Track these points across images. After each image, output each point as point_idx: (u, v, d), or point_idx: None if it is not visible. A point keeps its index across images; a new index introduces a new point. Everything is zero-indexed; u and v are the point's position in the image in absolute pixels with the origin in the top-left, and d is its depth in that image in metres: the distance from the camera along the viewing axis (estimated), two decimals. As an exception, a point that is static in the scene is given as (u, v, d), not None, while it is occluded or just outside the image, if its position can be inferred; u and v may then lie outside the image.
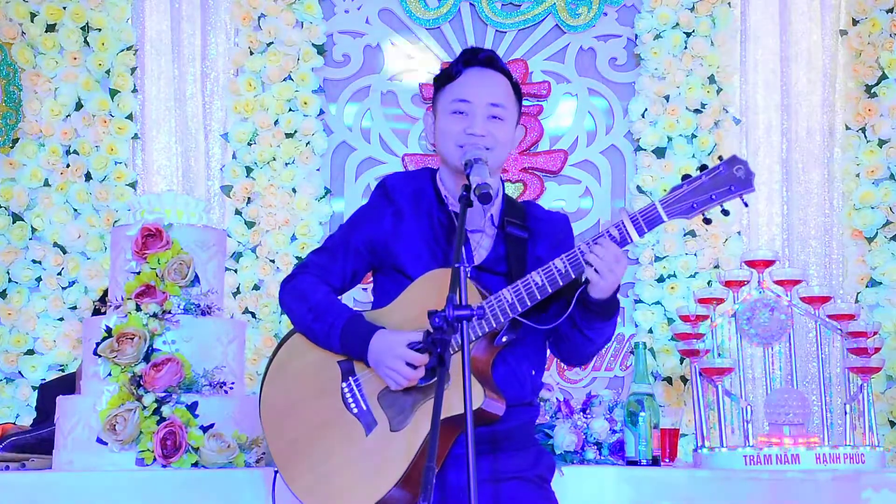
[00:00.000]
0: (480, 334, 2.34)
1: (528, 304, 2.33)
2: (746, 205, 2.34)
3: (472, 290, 2.34)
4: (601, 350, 2.53)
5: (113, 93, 4.76)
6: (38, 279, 4.66)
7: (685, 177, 2.32)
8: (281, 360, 2.54)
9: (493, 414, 2.35)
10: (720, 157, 2.34)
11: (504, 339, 2.37)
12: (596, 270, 2.29)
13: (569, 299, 2.36)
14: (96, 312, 4.24)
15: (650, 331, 4.68)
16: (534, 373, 2.51)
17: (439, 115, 2.54)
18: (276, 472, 2.50)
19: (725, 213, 2.32)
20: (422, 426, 2.30)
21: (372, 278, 2.65)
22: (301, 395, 2.48)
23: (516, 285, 2.33)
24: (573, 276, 2.32)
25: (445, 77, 2.54)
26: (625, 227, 2.29)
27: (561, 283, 2.32)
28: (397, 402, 2.38)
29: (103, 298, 4.27)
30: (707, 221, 2.32)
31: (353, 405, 2.42)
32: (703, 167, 2.31)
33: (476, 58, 2.54)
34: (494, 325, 2.34)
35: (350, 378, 2.44)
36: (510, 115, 2.52)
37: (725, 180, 2.29)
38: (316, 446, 2.42)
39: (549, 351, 2.62)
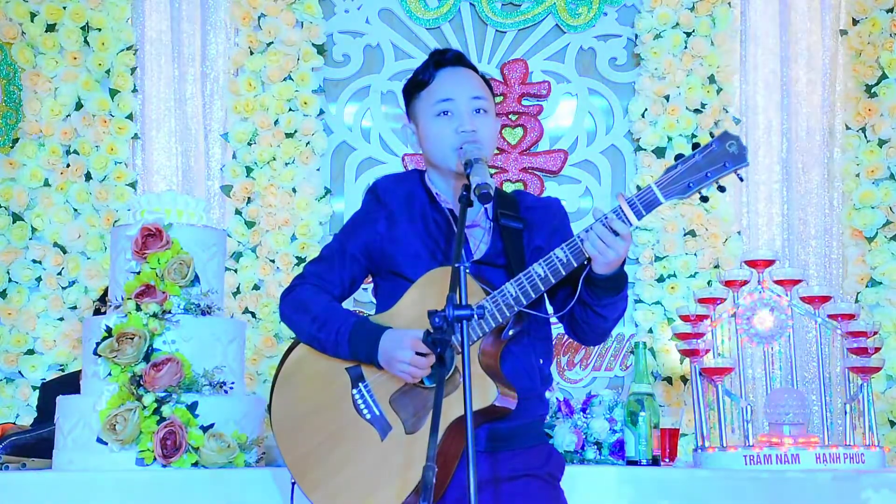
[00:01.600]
0: (487, 330, 2.34)
1: (533, 296, 2.33)
2: (742, 179, 2.34)
3: (475, 287, 2.35)
4: (616, 324, 2.53)
5: (113, 93, 4.76)
6: (38, 279, 4.66)
7: (678, 156, 2.32)
8: (288, 371, 2.53)
9: (505, 409, 2.35)
10: (711, 134, 2.34)
11: (511, 333, 2.37)
12: (597, 250, 2.29)
13: (575, 283, 2.36)
14: (97, 312, 4.24)
15: (650, 331, 4.68)
16: (542, 362, 2.51)
17: (423, 122, 2.53)
18: (293, 483, 2.50)
19: (722, 189, 2.32)
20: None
21: (372, 282, 2.65)
22: (312, 404, 2.47)
23: (519, 278, 2.33)
24: (575, 265, 2.33)
25: (418, 84, 2.54)
26: (623, 211, 2.29)
27: (563, 273, 2.33)
28: (410, 405, 2.38)
29: (103, 298, 4.27)
30: (704, 199, 2.32)
31: (365, 411, 2.42)
32: (695, 145, 2.31)
33: (445, 58, 2.55)
34: (500, 320, 2.34)
35: (360, 384, 2.44)
36: (490, 106, 2.54)
37: (719, 157, 2.28)
38: (332, 455, 2.41)
39: (553, 343, 2.62)
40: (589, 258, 2.32)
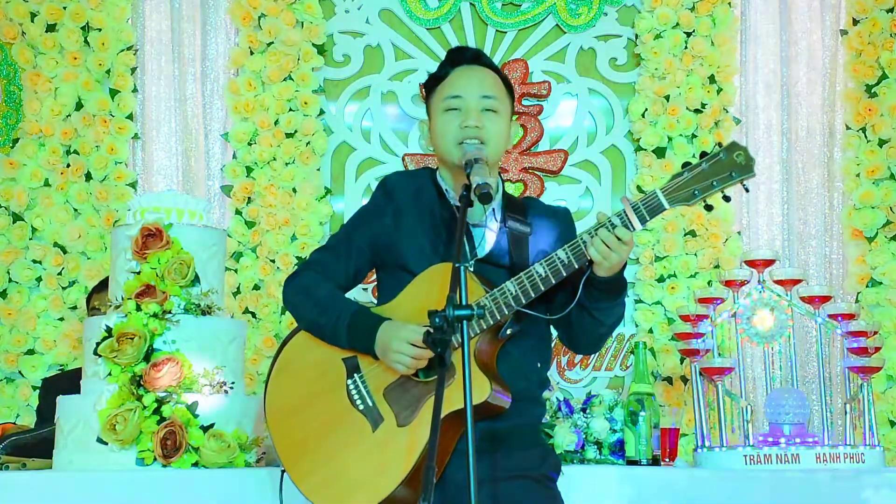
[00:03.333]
0: (485, 327, 2.34)
1: (532, 295, 2.34)
2: (748, 190, 2.36)
3: (475, 285, 2.35)
4: (611, 333, 2.54)
5: (113, 93, 4.76)
6: (38, 279, 4.66)
7: (685, 164, 2.34)
8: (284, 360, 2.54)
9: (499, 407, 2.35)
10: (719, 144, 2.36)
11: (508, 332, 2.38)
12: (600, 254, 2.29)
13: (575, 286, 2.37)
14: (90, 307, 4.25)
15: (650, 331, 4.68)
16: (539, 365, 2.52)
17: (433, 117, 2.56)
18: (282, 471, 2.51)
19: (727, 198, 2.34)
20: (428, 421, 2.29)
21: (375, 276, 2.66)
22: (306, 393, 2.48)
23: (520, 277, 2.34)
24: (576, 266, 2.33)
25: (435, 80, 2.58)
26: (626, 215, 2.30)
27: (564, 273, 2.33)
28: (404, 397, 2.38)
29: (90, 296, 4.28)
30: (709, 208, 2.34)
31: (359, 402, 2.42)
32: (703, 154, 2.33)
33: (463, 56, 2.58)
34: (499, 318, 2.34)
35: (355, 374, 2.45)
36: (503, 107, 2.55)
37: (726, 166, 2.31)
38: (323, 444, 2.42)
39: (553, 344, 2.62)
40: (590, 260, 2.32)
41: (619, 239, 2.28)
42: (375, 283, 2.70)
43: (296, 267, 4.61)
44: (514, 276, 2.38)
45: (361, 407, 2.42)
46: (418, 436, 2.32)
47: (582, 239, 2.33)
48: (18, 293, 4.64)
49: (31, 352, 4.62)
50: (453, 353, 2.29)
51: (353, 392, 2.43)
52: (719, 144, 2.36)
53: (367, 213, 2.61)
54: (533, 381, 2.50)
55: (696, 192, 2.30)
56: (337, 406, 2.43)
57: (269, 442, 3.14)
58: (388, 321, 2.40)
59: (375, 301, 2.63)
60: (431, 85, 2.59)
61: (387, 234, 2.53)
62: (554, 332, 2.62)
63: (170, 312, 3.16)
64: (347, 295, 2.59)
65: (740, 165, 2.31)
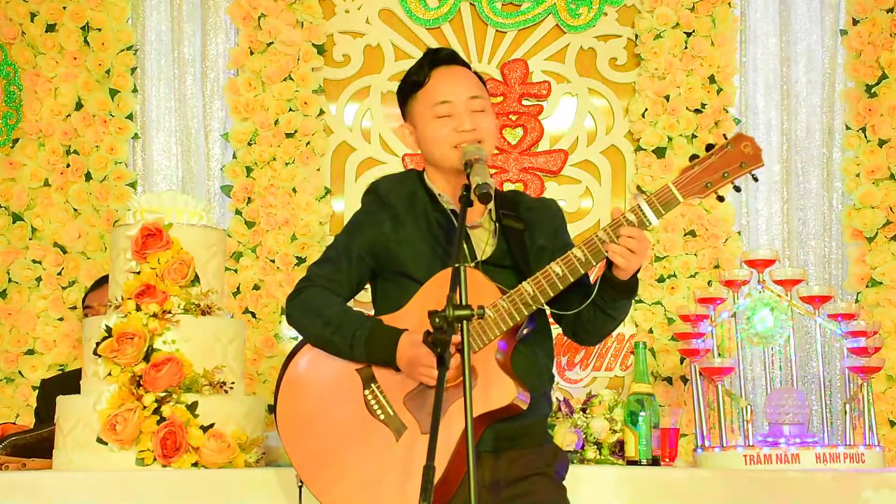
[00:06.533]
0: (504, 329, 2.34)
1: (550, 294, 2.34)
2: (756, 179, 2.37)
3: (492, 287, 2.35)
4: (619, 325, 2.55)
5: (113, 93, 4.76)
6: (38, 279, 4.66)
7: (693, 157, 2.34)
8: (293, 374, 2.51)
9: (519, 407, 2.35)
10: (725, 136, 2.37)
11: (525, 332, 2.38)
12: (624, 258, 2.30)
13: (583, 282, 2.38)
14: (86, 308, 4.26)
15: (650, 331, 4.68)
16: (547, 360, 2.52)
17: (420, 123, 2.53)
18: (300, 485, 2.48)
19: (737, 188, 2.36)
20: (453, 425, 2.28)
21: (370, 283, 2.64)
22: (321, 406, 2.46)
23: (536, 277, 2.34)
24: (594, 264, 2.34)
25: (414, 85, 2.54)
26: (642, 211, 2.30)
27: (582, 272, 2.34)
28: (425, 404, 2.36)
29: (85, 297, 4.28)
30: (721, 199, 2.36)
31: (378, 412, 2.40)
32: (709, 146, 2.34)
33: (439, 58, 2.55)
34: (518, 319, 2.34)
35: (372, 385, 2.42)
36: (487, 104, 2.55)
37: (735, 157, 2.32)
38: (344, 456, 2.40)
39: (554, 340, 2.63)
40: (606, 258, 2.33)
41: (634, 237, 2.30)
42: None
43: (294, 269, 4.62)
44: (517, 274, 2.39)
45: (382, 417, 2.40)
46: (443, 441, 2.29)
47: (598, 237, 2.33)
48: (18, 293, 4.64)
49: (31, 352, 4.62)
50: (472, 355, 2.29)
51: (372, 402, 2.41)
52: (725, 136, 2.37)
53: (363, 220, 2.58)
54: (544, 377, 2.50)
55: (708, 184, 2.32)
56: (355, 417, 2.41)
57: (270, 442, 3.15)
58: (408, 332, 2.38)
59: (377, 308, 2.61)
60: (410, 89, 2.55)
61: (386, 241, 2.51)
62: (554, 327, 2.62)
63: (170, 312, 3.16)
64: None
65: (749, 155, 2.32)
